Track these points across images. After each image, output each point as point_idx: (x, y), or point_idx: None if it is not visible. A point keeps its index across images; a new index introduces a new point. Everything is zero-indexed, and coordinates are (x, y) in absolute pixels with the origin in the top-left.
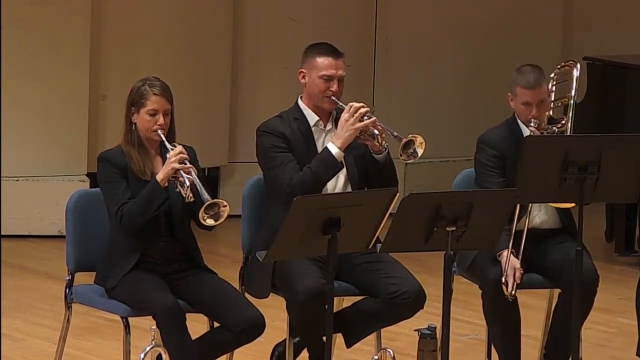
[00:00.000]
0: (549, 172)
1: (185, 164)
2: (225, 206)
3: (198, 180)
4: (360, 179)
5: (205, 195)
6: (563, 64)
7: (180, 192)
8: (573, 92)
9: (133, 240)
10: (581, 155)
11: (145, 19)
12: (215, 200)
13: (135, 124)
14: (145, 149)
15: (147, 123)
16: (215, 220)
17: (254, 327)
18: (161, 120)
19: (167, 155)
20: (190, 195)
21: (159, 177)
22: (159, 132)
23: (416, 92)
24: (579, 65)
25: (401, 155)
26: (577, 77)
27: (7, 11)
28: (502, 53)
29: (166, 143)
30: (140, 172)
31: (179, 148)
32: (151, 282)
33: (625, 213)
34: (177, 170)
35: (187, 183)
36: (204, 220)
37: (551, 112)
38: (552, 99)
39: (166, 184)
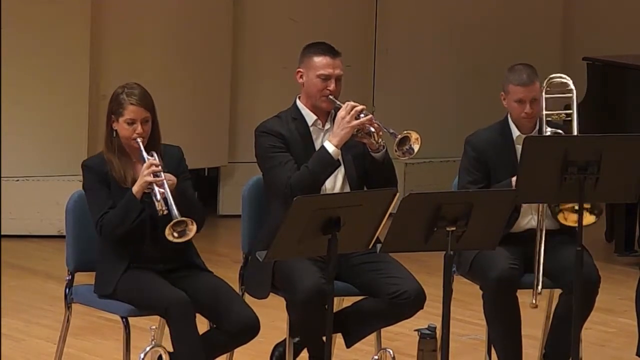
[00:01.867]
0: (549, 172)
1: (159, 176)
2: (192, 225)
3: (169, 194)
4: (358, 179)
5: (174, 211)
6: (552, 76)
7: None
8: (574, 97)
9: (119, 246)
10: (581, 155)
11: (145, 19)
12: (183, 218)
13: (116, 130)
14: (127, 156)
15: (126, 132)
16: (180, 237)
17: (248, 329)
18: (139, 129)
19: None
20: (164, 208)
21: (135, 189)
22: (138, 140)
23: (416, 92)
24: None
25: (396, 151)
26: (572, 88)
27: (7, 11)
28: (502, 53)
29: (143, 153)
30: (121, 180)
31: (151, 160)
32: (153, 279)
33: (625, 213)
34: (150, 183)
35: (159, 197)
36: (170, 235)
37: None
38: (544, 109)
39: (142, 195)
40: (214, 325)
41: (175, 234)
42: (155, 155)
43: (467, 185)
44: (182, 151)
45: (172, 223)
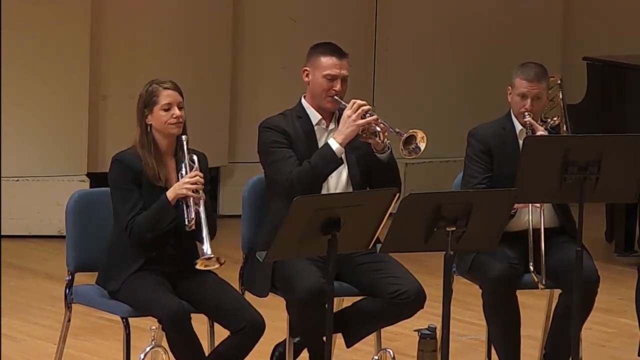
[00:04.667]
0: (549, 172)
1: (198, 192)
2: (222, 264)
3: (204, 215)
4: (362, 179)
5: (206, 244)
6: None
7: (184, 214)
8: (561, 96)
9: (138, 247)
10: (581, 155)
11: (145, 19)
12: (214, 255)
13: (150, 125)
14: (160, 154)
15: (163, 118)
16: (208, 267)
17: (254, 327)
18: (177, 112)
19: (182, 173)
20: (193, 225)
21: (170, 195)
22: (182, 137)
23: (416, 92)
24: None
25: (402, 151)
26: (560, 83)
27: (7, 11)
28: (502, 53)
29: (186, 153)
30: (155, 178)
31: (195, 172)
32: (155, 285)
33: (625, 213)
34: (187, 196)
35: (193, 214)
36: (200, 266)
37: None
38: None
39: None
40: (220, 341)
41: (205, 265)
42: (196, 163)
43: (474, 174)
44: (207, 160)
45: (203, 258)
